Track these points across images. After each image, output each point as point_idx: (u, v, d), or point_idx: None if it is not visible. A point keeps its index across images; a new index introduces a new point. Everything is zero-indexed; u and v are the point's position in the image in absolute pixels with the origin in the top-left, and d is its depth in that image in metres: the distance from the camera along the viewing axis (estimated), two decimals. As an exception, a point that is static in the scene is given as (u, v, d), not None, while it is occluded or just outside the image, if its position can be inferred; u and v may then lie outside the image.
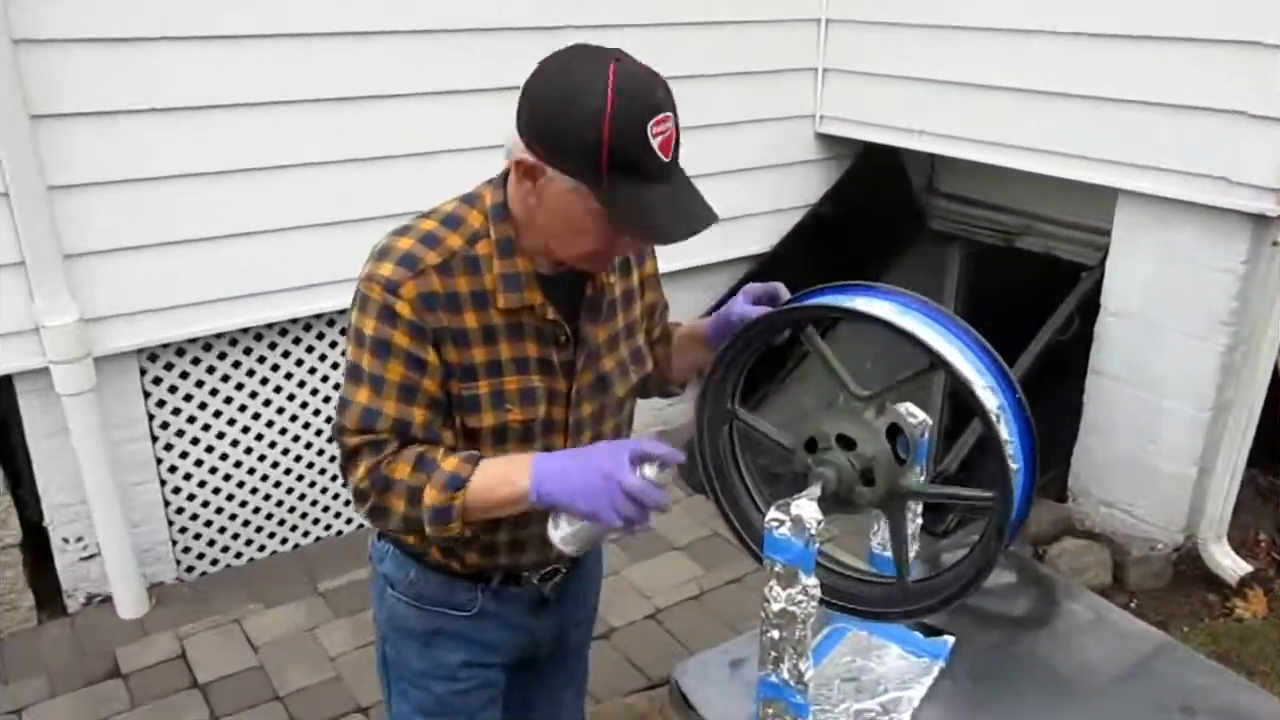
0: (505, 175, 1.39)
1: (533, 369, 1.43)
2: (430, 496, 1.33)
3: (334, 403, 3.27)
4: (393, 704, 1.67)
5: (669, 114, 1.26)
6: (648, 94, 1.25)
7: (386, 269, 1.33)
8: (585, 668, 1.93)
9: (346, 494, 3.43)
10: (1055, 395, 3.44)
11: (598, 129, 1.22)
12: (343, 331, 3.27)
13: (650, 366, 1.62)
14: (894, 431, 1.43)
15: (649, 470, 1.30)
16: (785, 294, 1.54)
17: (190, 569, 3.24)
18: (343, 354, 3.18)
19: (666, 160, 1.27)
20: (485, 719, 1.67)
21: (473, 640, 1.60)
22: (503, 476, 1.35)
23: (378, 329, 1.33)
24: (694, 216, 1.30)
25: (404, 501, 1.35)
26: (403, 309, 1.32)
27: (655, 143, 1.25)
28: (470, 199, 1.42)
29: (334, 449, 3.32)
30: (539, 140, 1.28)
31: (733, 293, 1.70)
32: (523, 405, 1.42)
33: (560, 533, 1.35)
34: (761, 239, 4.08)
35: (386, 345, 1.34)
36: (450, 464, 1.35)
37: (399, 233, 1.38)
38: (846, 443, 1.40)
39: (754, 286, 1.56)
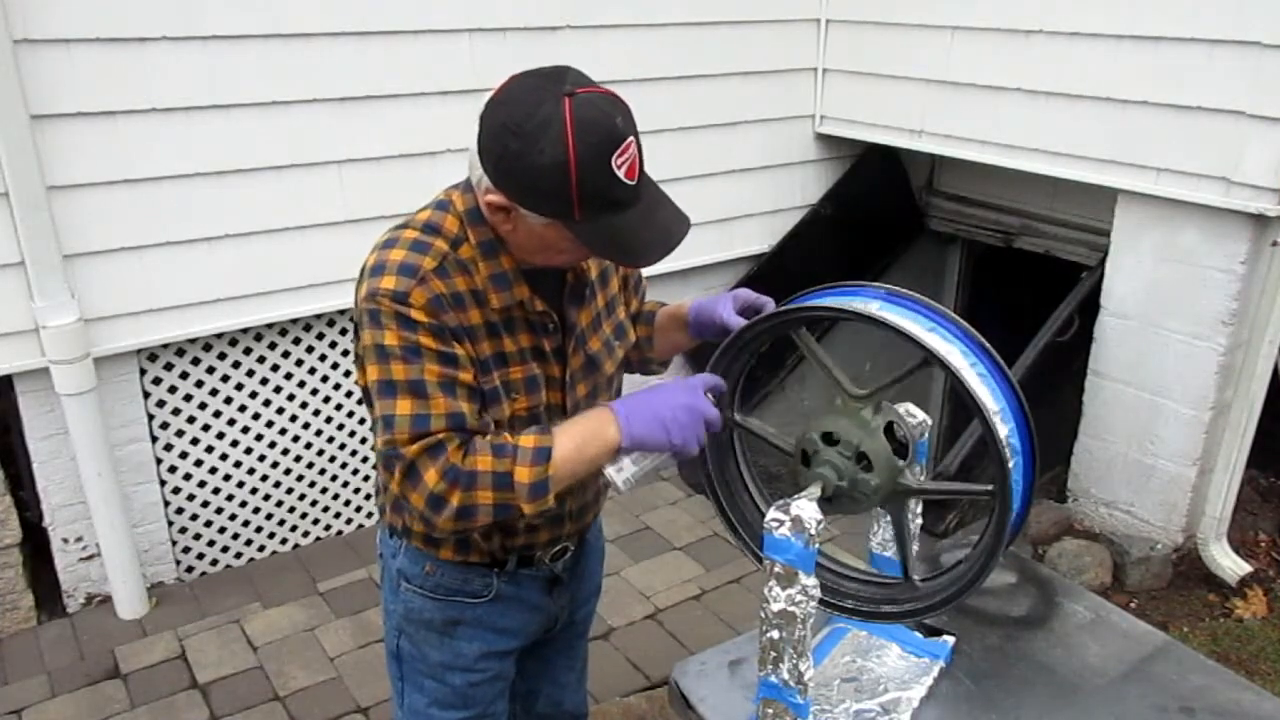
0: (469, 182, 1.40)
1: (530, 358, 1.45)
2: (522, 475, 1.33)
3: (335, 403, 3.30)
4: (406, 697, 1.68)
5: (630, 139, 1.27)
6: (607, 129, 1.25)
7: (389, 282, 1.33)
8: (587, 648, 1.95)
9: (347, 494, 3.43)
10: (1055, 395, 3.45)
11: (565, 178, 1.24)
12: (343, 332, 3.27)
13: (633, 338, 1.66)
14: (890, 430, 1.43)
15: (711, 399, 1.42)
16: (771, 309, 1.54)
17: (190, 569, 3.24)
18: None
19: (634, 183, 1.29)
20: (495, 711, 1.69)
21: (491, 628, 1.62)
22: (588, 434, 1.37)
23: (402, 337, 1.33)
24: (668, 233, 1.34)
25: (492, 491, 1.33)
26: (418, 315, 1.33)
27: (621, 173, 1.27)
28: (443, 205, 1.43)
29: (334, 449, 3.35)
30: (506, 188, 1.30)
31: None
32: (528, 393, 1.45)
33: (624, 474, 1.38)
34: (761, 239, 4.09)
35: (416, 348, 1.33)
36: (528, 441, 1.36)
37: (386, 246, 1.38)
38: (831, 439, 1.41)
39: (745, 294, 1.57)
